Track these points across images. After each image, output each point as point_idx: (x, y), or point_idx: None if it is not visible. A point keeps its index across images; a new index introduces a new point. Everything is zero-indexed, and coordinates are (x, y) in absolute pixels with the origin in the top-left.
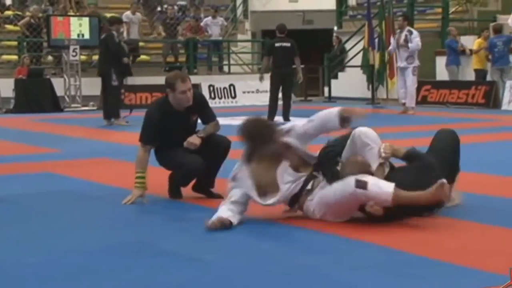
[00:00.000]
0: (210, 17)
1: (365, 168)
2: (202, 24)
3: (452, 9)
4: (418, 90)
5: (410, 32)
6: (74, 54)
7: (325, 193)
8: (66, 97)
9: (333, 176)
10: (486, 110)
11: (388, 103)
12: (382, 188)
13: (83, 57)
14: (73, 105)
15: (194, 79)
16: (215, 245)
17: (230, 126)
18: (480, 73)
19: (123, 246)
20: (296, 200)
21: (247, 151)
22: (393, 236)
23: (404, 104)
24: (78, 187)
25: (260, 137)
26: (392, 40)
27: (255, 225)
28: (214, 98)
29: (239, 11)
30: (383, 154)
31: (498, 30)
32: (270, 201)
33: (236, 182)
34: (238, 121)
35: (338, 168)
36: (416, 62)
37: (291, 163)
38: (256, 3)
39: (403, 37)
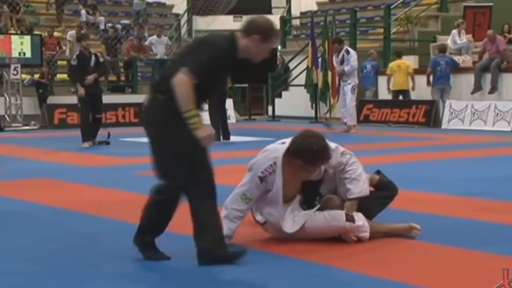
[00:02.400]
0: (155, 36)
1: (341, 206)
2: (147, 43)
3: (393, 30)
4: (361, 109)
5: (347, 52)
6: (15, 72)
7: (315, 216)
8: (6, 116)
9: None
10: (427, 129)
11: (332, 122)
12: (364, 222)
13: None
14: (14, 125)
15: (138, 98)
16: (159, 266)
17: None
18: (398, 94)
19: (64, 268)
20: None
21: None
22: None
23: (346, 123)
24: (20, 207)
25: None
26: (334, 60)
27: None
28: None
29: (184, 30)
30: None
31: (443, 50)
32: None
33: (256, 173)
34: None
35: (317, 202)
36: (355, 81)
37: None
38: (200, 22)
39: (340, 57)
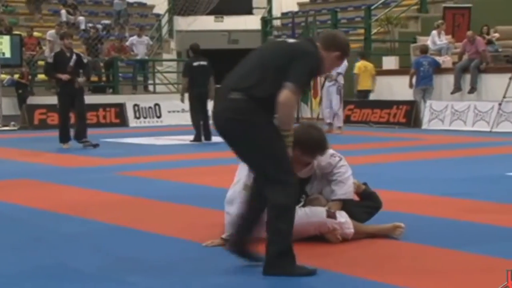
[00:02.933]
0: (135, 36)
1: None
2: (127, 43)
3: (374, 30)
4: (342, 109)
5: None
6: None
7: (296, 212)
8: None
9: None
10: (407, 129)
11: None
12: (347, 219)
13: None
14: None
15: (119, 98)
16: (139, 267)
17: (154, 146)
18: (362, 94)
19: (45, 270)
20: None
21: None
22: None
23: (329, 123)
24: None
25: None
26: None
27: (188, 247)
28: (139, 117)
29: (164, 30)
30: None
31: (424, 51)
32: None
33: None
34: (162, 141)
35: (302, 200)
36: (341, 82)
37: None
38: (181, 22)
39: None
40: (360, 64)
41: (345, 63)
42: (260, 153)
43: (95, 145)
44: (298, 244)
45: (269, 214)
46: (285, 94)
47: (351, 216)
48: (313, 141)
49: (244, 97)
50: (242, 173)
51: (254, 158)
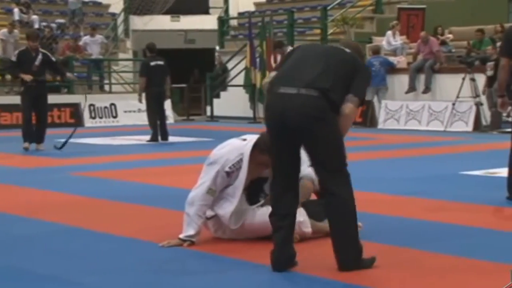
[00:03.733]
0: (88, 36)
1: None
2: (81, 42)
3: (330, 30)
4: None
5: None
6: None
7: (254, 211)
8: None
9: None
10: (363, 129)
11: None
12: (305, 218)
13: None
14: None
15: (74, 98)
16: (94, 268)
17: (110, 146)
18: None
19: None
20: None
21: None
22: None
23: None
24: None
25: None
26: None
27: (144, 247)
28: (95, 117)
29: (120, 29)
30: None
31: (376, 51)
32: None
33: (223, 168)
34: (119, 141)
35: (261, 199)
36: None
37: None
38: (137, 22)
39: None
40: None
41: None
42: (333, 149)
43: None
44: (256, 243)
45: (343, 210)
46: (350, 107)
47: (313, 216)
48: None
49: (321, 95)
50: (207, 176)
51: (327, 153)
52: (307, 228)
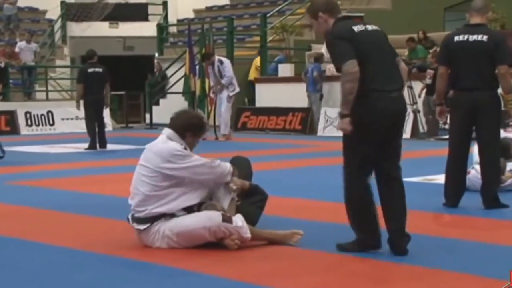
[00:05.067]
0: (24, 42)
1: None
2: (16, 49)
3: (270, 38)
4: (238, 116)
5: (221, 62)
6: None
7: (187, 219)
8: None
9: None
10: (303, 136)
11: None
12: (244, 224)
13: None
14: None
15: (10, 105)
16: (32, 278)
17: (47, 154)
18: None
19: None
20: (154, 220)
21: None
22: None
23: (224, 136)
24: None
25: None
26: (210, 71)
27: (81, 257)
28: (31, 125)
29: (57, 36)
30: (234, 187)
31: (317, 59)
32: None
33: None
34: (56, 149)
35: (195, 208)
36: (235, 90)
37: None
38: (75, 28)
39: (216, 69)
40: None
41: (228, 68)
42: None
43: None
44: (194, 251)
45: (402, 192)
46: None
47: (248, 217)
48: (199, 120)
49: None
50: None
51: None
52: (246, 234)
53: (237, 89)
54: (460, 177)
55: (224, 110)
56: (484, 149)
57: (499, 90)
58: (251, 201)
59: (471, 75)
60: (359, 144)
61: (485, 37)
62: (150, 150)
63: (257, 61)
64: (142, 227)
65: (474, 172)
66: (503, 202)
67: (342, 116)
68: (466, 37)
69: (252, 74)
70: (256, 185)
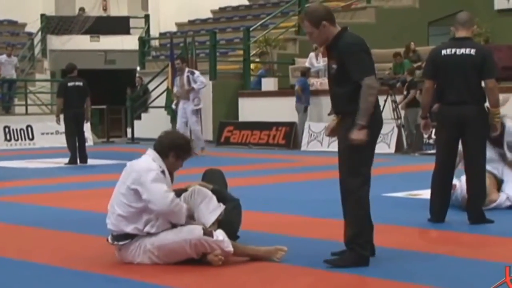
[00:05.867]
0: (4, 55)
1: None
2: None
3: (253, 52)
4: (221, 131)
5: (192, 73)
6: None
7: (168, 233)
8: None
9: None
10: (286, 151)
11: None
12: (225, 237)
13: None
14: None
15: None
16: None
17: (26, 169)
18: None
19: None
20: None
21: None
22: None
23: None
24: None
25: None
26: (176, 82)
27: (58, 273)
28: (10, 140)
29: (37, 49)
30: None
31: (304, 73)
32: None
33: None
34: (35, 164)
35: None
36: (199, 105)
37: None
38: (55, 41)
39: (185, 79)
40: None
41: (201, 78)
42: None
43: None
44: (176, 267)
45: None
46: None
47: (228, 227)
48: (184, 142)
49: None
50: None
51: None
52: (228, 248)
53: (201, 105)
54: (445, 192)
55: (192, 124)
56: (469, 164)
57: (486, 104)
58: (229, 206)
59: (458, 88)
60: (371, 153)
61: (473, 51)
62: (131, 167)
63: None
64: (121, 242)
65: (459, 187)
66: (488, 218)
67: (361, 127)
68: (453, 50)
69: None
70: (221, 191)
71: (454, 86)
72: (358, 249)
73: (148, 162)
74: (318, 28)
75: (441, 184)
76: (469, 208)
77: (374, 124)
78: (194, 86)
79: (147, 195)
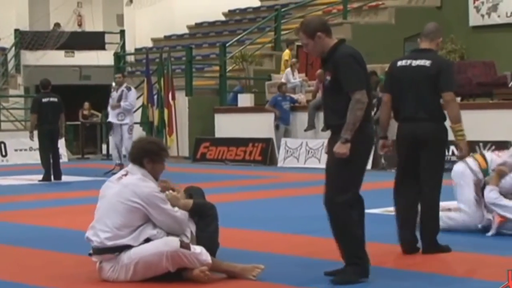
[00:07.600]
0: None
1: None
2: None
3: (229, 67)
4: (197, 147)
5: (129, 89)
6: None
7: (145, 246)
8: None
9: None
10: (263, 167)
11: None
12: (202, 250)
13: None
14: None
15: None
16: None
17: (0, 186)
18: None
19: None
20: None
21: None
22: None
23: (120, 164)
24: None
25: None
26: (112, 95)
27: None
28: None
29: (11, 65)
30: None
31: (279, 87)
32: None
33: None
34: (8, 181)
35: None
36: (132, 120)
37: None
38: (29, 57)
39: (119, 92)
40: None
41: (134, 97)
42: None
43: None
44: (153, 284)
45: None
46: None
47: (208, 235)
48: (157, 146)
49: None
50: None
51: None
52: (207, 260)
53: (133, 120)
54: (409, 216)
55: (127, 141)
56: (422, 187)
57: (447, 122)
58: (204, 223)
59: (412, 103)
60: (362, 168)
61: (428, 62)
62: (126, 186)
63: (285, 54)
64: (103, 257)
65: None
66: (443, 244)
67: (345, 141)
68: (409, 62)
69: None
70: (200, 201)
71: (408, 101)
72: (359, 261)
73: (146, 183)
74: (313, 39)
75: (402, 209)
76: (421, 236)
77: (366, 140)
78: (122, 103)
79: (160, 220)
